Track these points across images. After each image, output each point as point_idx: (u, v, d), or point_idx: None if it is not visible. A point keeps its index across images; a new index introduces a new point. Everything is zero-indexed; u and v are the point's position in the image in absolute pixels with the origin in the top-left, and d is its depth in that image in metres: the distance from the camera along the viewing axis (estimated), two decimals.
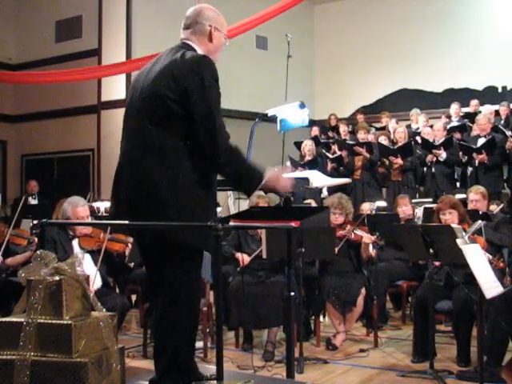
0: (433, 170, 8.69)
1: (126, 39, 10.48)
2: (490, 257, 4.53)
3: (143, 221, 2.71)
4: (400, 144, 8.95)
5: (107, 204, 7.11)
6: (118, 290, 6.20)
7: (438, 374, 4.32)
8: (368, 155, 9.04)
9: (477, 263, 3.82)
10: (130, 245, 5.22)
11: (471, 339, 4.65)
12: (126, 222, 2.77)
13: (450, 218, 4.95)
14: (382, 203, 7.72)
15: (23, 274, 2.46)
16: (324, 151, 9.98)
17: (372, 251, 5.65)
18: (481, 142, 8.40)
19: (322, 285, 5.41)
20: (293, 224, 2.87)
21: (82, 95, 10.84)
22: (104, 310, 2.56)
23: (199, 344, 4.67)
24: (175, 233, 2.69)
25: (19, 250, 5.59)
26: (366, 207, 7.00)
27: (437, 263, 4.94)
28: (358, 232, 5.55)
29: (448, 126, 9.50)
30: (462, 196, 6.58)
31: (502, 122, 9.53)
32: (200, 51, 2.85)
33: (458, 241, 3.97)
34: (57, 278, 2.39)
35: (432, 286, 4.60)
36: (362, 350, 5.17)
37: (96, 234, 4.99)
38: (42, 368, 2.30)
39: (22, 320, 2.36)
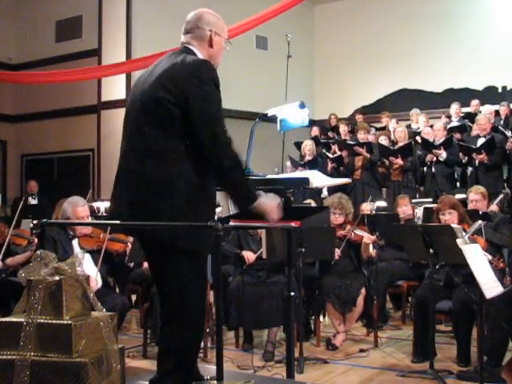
0: (433, 169, 8.69)
1: (126, 39, 10.46)
2: (490, 257, 4.54)
3: (141, 221, 2.71)
4: (400, 144, 8.95)
5: (107, 204, 7.10)
6: (118, 290, 6.20)
7: (438, 374, 4.32)
8: (368, 155, 9.04)
9: (477, 263, 3.83)
10: (129, 244, 5.22)
11: (471, 339, 4.65)
12: (126, 222, 2.77)
13: (450, 218, 4.95)
14: (382, 203, 7.72)
15: (23, 274, 2.47)
16: (324, 151, 9.98)
17: (372, 251, 5.65)
18: (480, 142, 8.40)
19: (321, 285, 5.41)
20: (293, 224, 2.87)
21: (82, 95, 10.83)
22: (104, 310, 2.56)
23: None
24: (173, 236, 2.68)
25: (19, 250, 5.59)
26: (366, 207, 7.00)
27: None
28: (359, 232, 5.56)
29: (448, 126, 9.50)
30: (462, 196, 6.58)
31: (502, 122, 9.53)
32: (201, 56, 2.85)
33: (458, 241, 3.97)
34: (57, 278, 2.40)
35: (432, 286, 4.60)
36: (361, 350, 5.16)
37: (96, 233, 4.99)
38: (42, 368, 2.30)
39: (22, 320, 2.36)
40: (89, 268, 4.47)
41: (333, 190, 7.84)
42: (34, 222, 6.23)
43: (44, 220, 3.08)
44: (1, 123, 11.85)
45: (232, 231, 5.53)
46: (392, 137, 9.56)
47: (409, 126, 10.26)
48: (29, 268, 2.48)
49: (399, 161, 8.77)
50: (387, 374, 4.57)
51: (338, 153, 9.59)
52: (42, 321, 2.35)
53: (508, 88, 11.91)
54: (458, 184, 8.99)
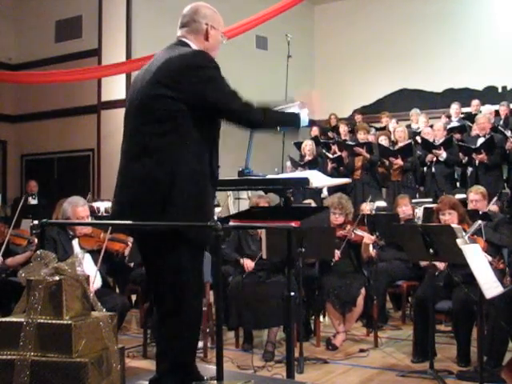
0: (433, 170, 8.69)
1: (126, 39, 10.46)
2: (490, 258, 4.54)
3: (143, 220, 2.71)
4: (400, 144, 8.95)
5: (107, 204, 7.11)
6: (118, 290, 6.21)
7: (438, 374, 4.32)
8: (368, 155, 9.04)
9: (477, 263, 3.82)
10: (130, 244, 5.22)
11: (471, 339, 4.65)
12: (126, 222, 2.77)
13: (450, 218, 4.95)
14: (382, 203, 7.72)
15: (23, 274, 2.46)
16: (324, 151, 9.98)
17: (372, 251, 5.65)
18: (480, 141, 8.40)
19: (321, 285, 5.42)
20: (293, 224, 2.87)
21: (81, 95, 10.83)
22: (104, 310, 2.56)
23: (199, 344, 4.67)
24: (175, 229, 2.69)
25: (19, 250, 5.59)
26: (366, 207, 6.99)
27: (441, 268, 4.94)
28: (359, 232, 5.56)
29: (448, 127, 9.50)
30: (462, 196, 6.58)
31: (502, 122, 9.53)
32: (196, 49, 2.85)
33: (458, 241, 3.97)
34: (57, 278, 2.39)
35: (432, 286, 4.60)
36: (361, 350, 5.16)
37: (96, 233, 4.99)
38: (42, 368, 2.30)
39: (22, 320, 2.36)
40: (89, 268, 4.47)
41: (333, 190, 7.84)
42: (34, 221, 6.23)
43: (44, 220, 3.07)
44: (1, 123, 11.85)
45: (232, 232, 5.53)
46: (392, 137, 9.56)
47: (409, 126, 10.27)
48: (29, 268, 2.47)
49: (399, 161, 8.77)
50: (387, 374, 4.57)
51: (338, 153, 9.60)
52: (41, 321, 2.35)
53: (508, 88, 11.92)
54: (457, 184, 8.99)
